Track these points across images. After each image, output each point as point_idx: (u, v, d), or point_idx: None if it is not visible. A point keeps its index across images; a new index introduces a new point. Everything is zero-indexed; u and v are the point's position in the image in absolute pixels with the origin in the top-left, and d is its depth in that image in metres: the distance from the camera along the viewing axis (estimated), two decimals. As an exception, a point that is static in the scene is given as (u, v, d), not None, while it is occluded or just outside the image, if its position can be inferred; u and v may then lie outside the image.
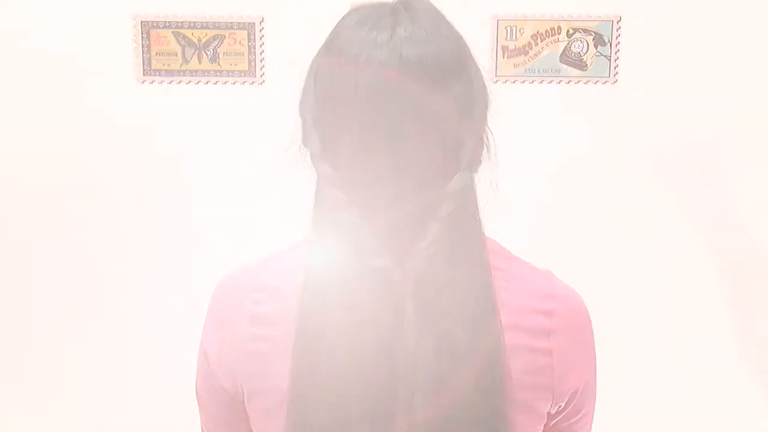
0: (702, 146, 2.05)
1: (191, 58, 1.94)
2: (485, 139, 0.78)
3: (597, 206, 1.99)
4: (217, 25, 1.93)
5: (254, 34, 1.94)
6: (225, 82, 1.96)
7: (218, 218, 2.02)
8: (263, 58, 1.95)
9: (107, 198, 1.99)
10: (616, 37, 2.00)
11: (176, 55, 1.93)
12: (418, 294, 0.73)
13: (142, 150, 1.98)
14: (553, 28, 1.99)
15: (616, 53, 2.01)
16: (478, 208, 0.78)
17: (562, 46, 2.00)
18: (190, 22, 1.92)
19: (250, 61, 1.95)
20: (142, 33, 1.92)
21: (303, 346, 0.74)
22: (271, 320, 0.78)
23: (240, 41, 1.94)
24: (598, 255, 1.90)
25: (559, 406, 0.82)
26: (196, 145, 1.99)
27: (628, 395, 1.75)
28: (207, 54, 1.94)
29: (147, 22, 1.91)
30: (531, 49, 2.00)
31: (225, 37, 1.94)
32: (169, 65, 1.94)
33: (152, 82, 1.94)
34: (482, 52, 1.03)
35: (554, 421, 0.85)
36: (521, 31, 1.98)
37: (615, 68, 2.01)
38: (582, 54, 2.00)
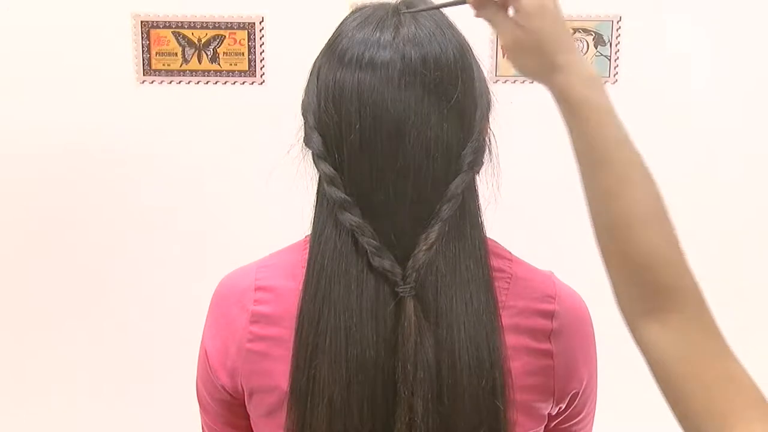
0: (702, 146, 2.06)
1: (191, 58, 1.94)
2: (487, 140, 0.78)
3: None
4: (217, 25, 1.93)
5: (254, 34, 1.94)
6: (225, 82, 1.95)
7: (218, 218, 2.02)
8: (263, 58, 1.95)
9: (107, 198, 1.99)
10: (616, 37, 2.00)
11: (176, 55, 1.93)
12: (419, 294, 0.73)
13: (142, 150, 1.97)
14: (553, 29, 1.99)
15: (616, 53, 2.01)
16: (479, 208, 0.78)
17: (562, 46, 2.00)
18: (190, 22, 1.92)
19: (250, 61, 1.95)
20: (142, 33, 1.92)
21: (303, 345, 0.74)
22: (271, 320, 0.78)
23: (240, 41, 1.94)
24: (599, 256, 1.89)
25: (560, 408, 0.82)
26: (196, 145, 1.98)
27: (628, 396, 1.75)
28: (207, 54, 1.94)
29: (147, 21, 1.91)
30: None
31: (225, 37, 1.93)
32: (169, 65, 1.94)
33: (152, 82, 1.94)
34: (482, 52, 1.04)
35: (555, 423, 0.85)
36: (521, 32, 1.98)
37: (615, 68, 2.01)
38: (582, 54, 2.00)
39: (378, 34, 0.73)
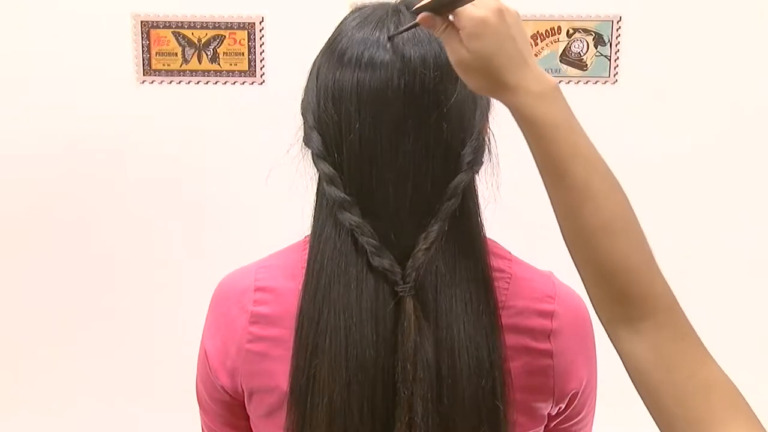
0: (702, 146, 2.05)
1: (191, 58, 1.94)
2: (486, 140, 0.78)
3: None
4: (217, 25, 1.93)
5: (254, 34, 1.94)
6: (225, 82, 1.95)
7: (218, 218, 2.02)
8: (263, 58, 1.95)
9: (107, 197, 1.99)
10: (616, 37, 2.00)
11: (176, 55, 1.93)
12: (418, 294, 0.73)
13: (142, 150, 1.98)
14: (553, 28, 1.99)
15: (616, 53, 2.01)
16: (479, 208, 0.78)
17: (562, 46, 2.00)
18: (190, 22, 1.92)
19: (250, 61, 1.95)
20: (141, 33, 1.92)
21: (303, 346, 0.74)
22: (271, 320, 0.78)
23: (240, 41, 1.94)
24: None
25: (560, 408, 0.82)
26: (196, 145, 1.99)
27: (628, 396, 1.75)
28: (207, 54, 1.94)
29: (147, 21, 1.91)
30: (531, 48, 1.99)
31: (225, 37, 1.93)
32: (169, 65, 1.94)
33: (152, 82, 1.94)
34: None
35: (554, 423, 0.85)
36: (521, 31, 1.98)
37: (615, 68, 2.01)
38: (582, 54, 2.00)
39: (377, 34, 0.73)
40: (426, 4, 0.68)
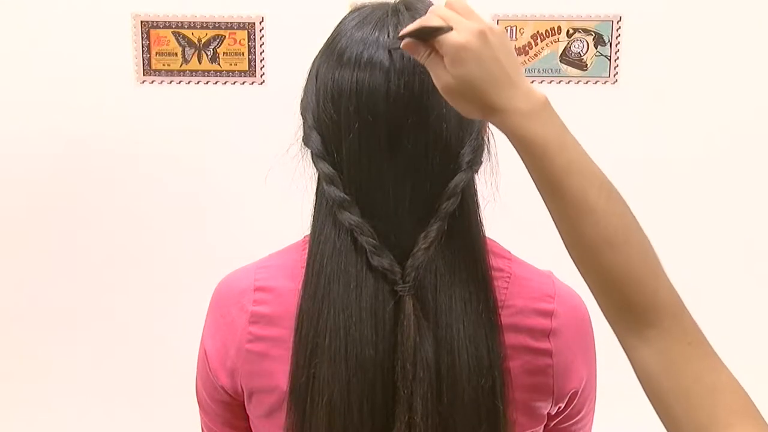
0: (702, 146, 2.05)
1: (191, 58, 1.94)
2: (485, 139, 0.78)
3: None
4: (217, 25, 1.93)
5: (254, 34, 1.94)
6: (225, 82, 1.96)
7: (218, 218, 2.02)
8: (263, 58, 1.95)
9: (107, 197, 1.99)
10: (616, 37, 2.00)
11: (176, 55, 1.93)
12: (418, 293, 0.73)
13: (142, 150, 1.98)
14: (553, 28, 1.99)
15: (616, 53, 2.01)
16: (478, 208, 0.78)
17: (562, 46, 2.00)
18: (190, 22, 1.92)
19: (250, 61, 1.95)
20: (141, 33, 1.92)
21: (303, 345, 0.74)
22: (270, 320, 0.78)
23: (240, 41, 1.94)
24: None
25: (559, 407, 0.82)
26: (196, 145, 1.98)
27: (628, 396, 1.75)
28: (207, 54, 1.94)
29: (147, 22, 1.91)
30: (531, 48, 2.00)
31: (225, 37, 1.93)
32: (169, 65, 1.94)
33: (152, 82, 1.94)
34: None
35: (554, 422, 0.85)
36: (521, 31, 1.98)
37: (615, 68, 2.01)
38: (582, 54, 2.00)
39: (377, 34, 0.73)
40: (410, 32, 0.68)
